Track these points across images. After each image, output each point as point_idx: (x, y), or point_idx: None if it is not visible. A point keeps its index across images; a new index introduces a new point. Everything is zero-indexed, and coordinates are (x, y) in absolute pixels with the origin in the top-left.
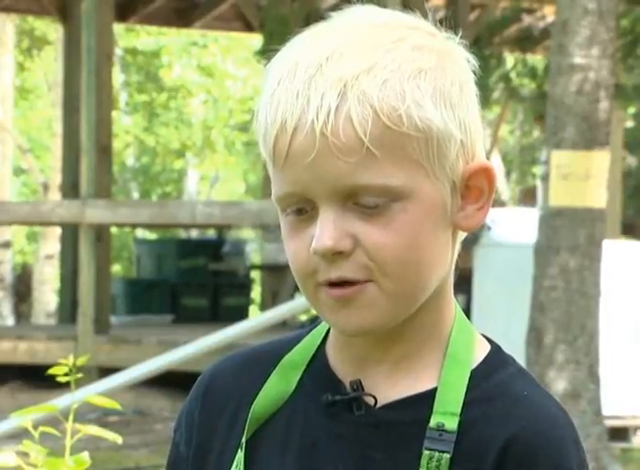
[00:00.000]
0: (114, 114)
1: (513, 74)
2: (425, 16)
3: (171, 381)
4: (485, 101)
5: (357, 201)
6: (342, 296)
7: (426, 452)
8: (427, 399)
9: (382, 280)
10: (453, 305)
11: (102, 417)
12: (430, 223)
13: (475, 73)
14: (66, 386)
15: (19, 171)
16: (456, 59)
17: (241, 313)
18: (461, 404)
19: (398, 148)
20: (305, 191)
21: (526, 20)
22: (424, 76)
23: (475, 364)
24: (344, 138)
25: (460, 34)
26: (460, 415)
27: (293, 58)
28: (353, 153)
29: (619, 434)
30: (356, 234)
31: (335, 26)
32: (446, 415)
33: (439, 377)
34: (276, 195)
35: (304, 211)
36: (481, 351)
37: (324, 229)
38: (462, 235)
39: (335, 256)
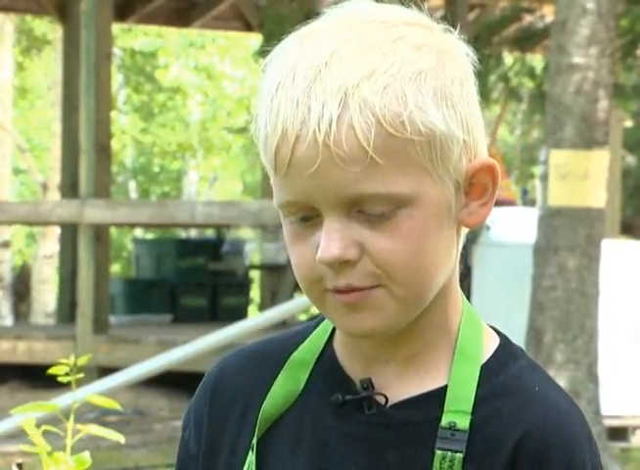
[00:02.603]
0: (113, 114)
1: (512, 74)
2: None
3: (170, 381)
4: (485, 100)
5: (362, 209)
6: (350, 301)
7: (438, 453)
8: (438, 398)
9: (390, 285)
10: (460, 299)
11: (101, 417)
12: (435, 226)
13: (474, 66)
14: (64, 386)
15: (18, 171)
16: (456, 55)
17: (240, 313)
18: (472, 402)
19: (402, 154)
20: (309, 200)
21: (526, 19)
22: (424, 77)
23: (485, 359)
24: (348, 148)
25: (458, 30)
26: (471, 413)
27: (290, 60)
28: (357, 162)
29: (619, 433)
30: (362, 242)
31: (331, 24)
32: (458, 414)
33: (450, 374)
34: (278, 202)
35: (308, 218)
36: (491, 344)
37: (330, 238)
38: (465, 230)
39: (342, 264)
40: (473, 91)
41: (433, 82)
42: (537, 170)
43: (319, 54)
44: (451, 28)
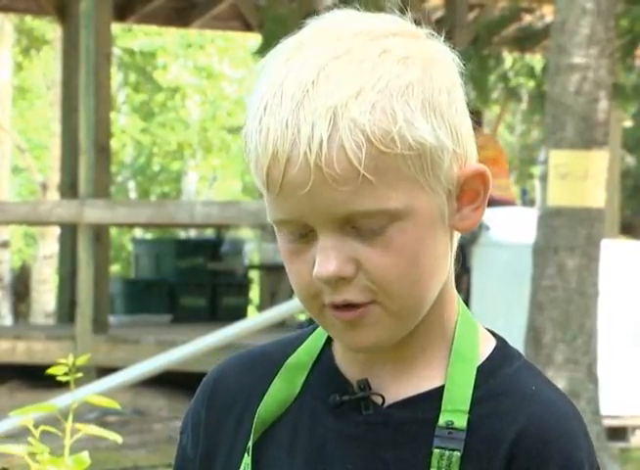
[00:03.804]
0: (112, 113)
1: (511, 74)
2: (423, 16)
3: (170, 381)
4: (484, 100)
5: (355, 225)
6: (347, 318)
7: (436, 451)
8: (434, 397)
9: (386, 301)
10: (456, 301)
11: (100, 417)
12: (429, 236)
13: (461, 72)
14: (64, 386)
15: (17, 171)
16: (442, 63)
17: (239, 313)
18: (469, 401)
19: (393, 169)
20: (302, 218)
21: (525, 19)
22: (412, 91)
23: (481, 360)
24: (339, 169)
25: (444, 29)
26: (469, 412)
27: (277, 78)
28: (349, 182)
29: (618, 433)
30: (358, 258)
31: (316, 38)
32: (455, 413)
33: (446, 374)
34: (272, 218)
35: (303, 235)
36: (487, 346)
37: (325, 256)
38: (458, 234)
39: (338, 281)
40: (460, 97)
41: (420, 95)
42: (537, 170)
43: (305, 72)
44: (435, 33)
